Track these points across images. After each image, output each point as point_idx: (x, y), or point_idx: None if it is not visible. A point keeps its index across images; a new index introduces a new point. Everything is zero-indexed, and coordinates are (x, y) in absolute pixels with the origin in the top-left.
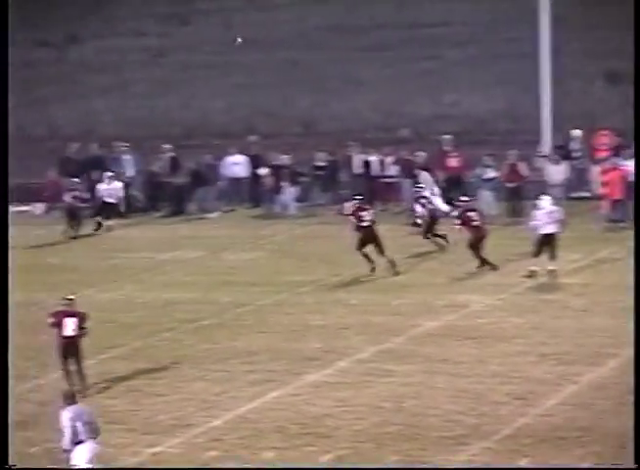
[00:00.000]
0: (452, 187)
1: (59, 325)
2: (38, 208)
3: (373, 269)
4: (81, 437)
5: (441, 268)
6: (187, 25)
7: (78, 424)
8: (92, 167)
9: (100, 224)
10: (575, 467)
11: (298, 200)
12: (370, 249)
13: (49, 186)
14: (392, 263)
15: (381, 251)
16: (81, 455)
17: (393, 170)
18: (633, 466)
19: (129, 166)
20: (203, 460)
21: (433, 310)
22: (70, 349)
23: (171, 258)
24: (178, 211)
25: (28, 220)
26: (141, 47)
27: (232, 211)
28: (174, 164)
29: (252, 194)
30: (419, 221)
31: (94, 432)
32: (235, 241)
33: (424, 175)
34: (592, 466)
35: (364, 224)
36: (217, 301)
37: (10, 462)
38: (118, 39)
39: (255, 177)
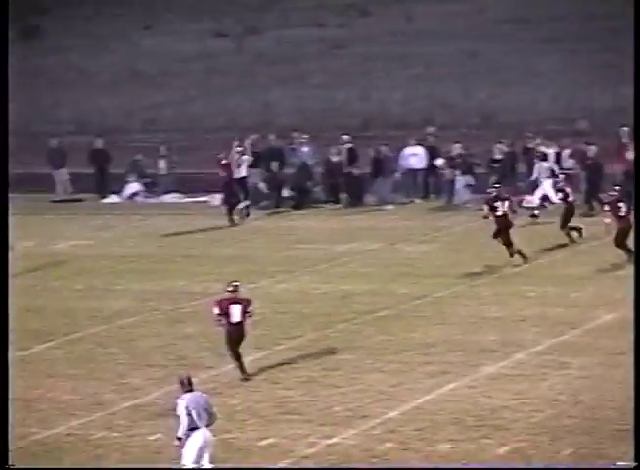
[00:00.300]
0: (630, 180)
1: (225, 313)
2: (216, 198)
3: (511, 255)
4: (196, 424)
5: (617, 260)
6: (366, 17)
7: (194, 411)
8: (270, 159)
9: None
10: (576, 467)
11: (475, 191)
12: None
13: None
14: (522, 255)
15: (507, 242)
16: (194, 442)
17: (570, 163)
18: (633, 466)
19: (307, 158)
20: (379, 451)
21: (610, 303)
22: (238, 334)
23: (349, 249)
24: (356, 202)
25: (206, 211)
26: (319, 38)
27: (410, 202)
28: (352, 155)
29: (429, 185)
30: (536, 213)
31: (210, 419)
32: (412, 232)
33: (540, 165)
34: (592, 466)
35: (498, 214)
36: (394, 292)
37: (10, 462)
38: (297, 30)
39: (432, 169)
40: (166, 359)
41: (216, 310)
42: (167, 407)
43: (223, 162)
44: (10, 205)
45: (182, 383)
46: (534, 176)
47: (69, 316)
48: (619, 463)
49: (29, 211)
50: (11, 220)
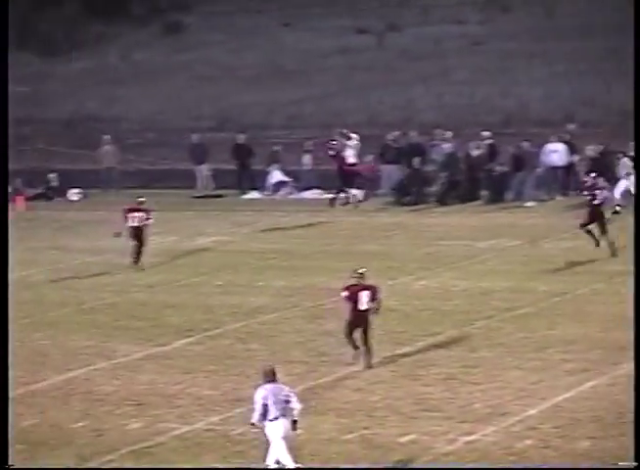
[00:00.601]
0: None
1: (354, 299)
2: (358, 194)
3: (597, 244)
4: (274, 414)
5: None
6: (507, 13)
7: (270, 402)
8: (412, 155)
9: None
10: (576, 467)
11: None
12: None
13: (368, 172)
14: (611, 245)
15: (603, 231)
16: (273, 432)
17: None
18: (633, 466)
19: (448, 154)
20: (518, 449)
21: None
22: (362, 322)
23: (489, 246)
24: (496, 198)
25: (346, 207)
26: (460, 34)
27: (550, 199)
28: (493, 152)
29: (569, 183)
30: (618, 209)
31: (287, 411)
32: (553, 230)
33: (624, 161)
34: (592, 466)
35: (595, 202)
36: (534, 289)
37: (10, 462)
38: (437, 27)
39: (573, 166)
40: (307, 356)
41: (344, 293)
42: (308, 404)
43: (331, 153)
44: (152, 200)
45: (265, 373)
46: (621, 173)
47: (210, 312)
48: (620, 463)
49: (171, 207)
50: (152, 215)
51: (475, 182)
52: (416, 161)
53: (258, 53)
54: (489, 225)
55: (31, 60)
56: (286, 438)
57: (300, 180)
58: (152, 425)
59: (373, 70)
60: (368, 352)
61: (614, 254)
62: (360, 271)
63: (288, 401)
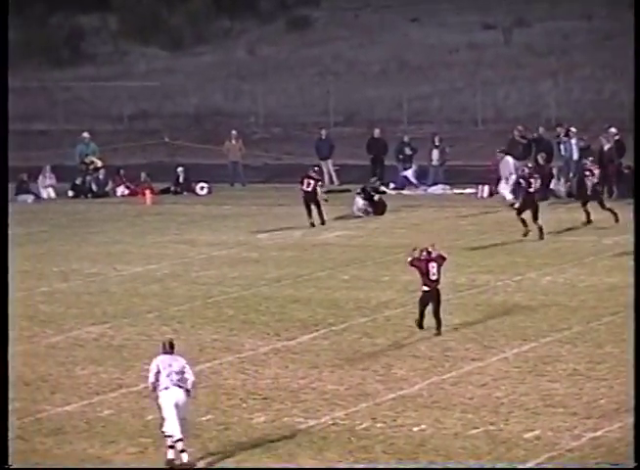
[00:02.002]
0: None
1: (425, 272)
2: (481, 190)
3: (525, 234)
4: (165, 384)
5: None
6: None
7: (163, 372)
8: (538, 150)
9: None
10: (576, 467)
11: None
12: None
13: (494, 168)
14: (540, 229)
15: (535, 217)
16: (165, 400)
17: None
18: (633, 466)
19: (575, 150)
20: None
21: None
22: (435, 292)
23: (615, 242)
24: (625, 193)
25: (472, 203)
26: (588, 29)
27: None
28: (620, 147)
29: None
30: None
31: (182, 381)
32: None
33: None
34: (592, 466)
35: (530, 190)
36: None
37: (10, 462)
38: (565, 22)
39: None
40: (432, 351)
41: (415, 264)
42: (433, 399)
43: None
44: (278, 195)
45: (164, 345)
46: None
47: (336, 307)
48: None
49: (296, 202)
50: (276, 211)
51: (604, 177)
52: (542, 156)
53: (385, 48)
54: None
55: (159, 54)
56: (177, 406)
57: (428, 176)
58: (277, 419)
59: (500, 66)
60: (438, 322)
61: (541, 237)
62: (429, 249)
63: (183, 372)
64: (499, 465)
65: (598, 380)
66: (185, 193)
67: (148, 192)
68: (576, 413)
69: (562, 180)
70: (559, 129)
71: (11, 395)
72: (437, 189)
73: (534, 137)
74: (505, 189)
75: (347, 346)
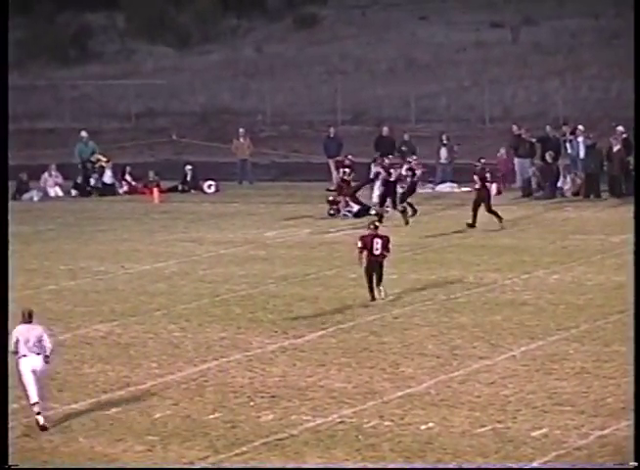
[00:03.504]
0: None
1: (368, 247)
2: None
3: (471, 225)
4: (23, 352)
5: None
6: None
7: (21, 340)
8: (545, 149)
9: None
10: (576, 467)
11: None
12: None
13: (501, 166)
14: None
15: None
16: (23, 367)
17: None
18: (633, 466)
19: (582, 148)
20: None
21: None
22: (375, 266)
23: (622, 240)
24: (631, 192)
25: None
26: (596, 28)
27: None
28: (627, 146)
29: None
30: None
31: (41, 349)
32: None
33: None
34: (592, 466)
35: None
36: None
37: (10, 462)
38: (572, 20)
39: None
40: (439, 349)
41: (359, 244)
42: (440, 397)
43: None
44: (285, 193)
45: (23, 315)
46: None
47: (343, 305)
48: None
49: (304, 200)
50: (283, 209)
51: (613, 177)
52: (549, 155)
53: (393, 46)
54: (623, 219)
55: (167, 52)
56: (34, 372)
57: (436, 174)
58: (284, 417)
59: (507, 64)
60: (379, 291)
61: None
62: (375, 224)
63: (41, 340)
64: (500, 465)
65: (605, 378)
66: (192, 191)
67: (155, 190)
68: (584, 411)
69: (568, 178)
70: (564, 128)
71: (18, 392)
72: (445, 187)
73: (542, 136)
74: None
75: (355, 344)
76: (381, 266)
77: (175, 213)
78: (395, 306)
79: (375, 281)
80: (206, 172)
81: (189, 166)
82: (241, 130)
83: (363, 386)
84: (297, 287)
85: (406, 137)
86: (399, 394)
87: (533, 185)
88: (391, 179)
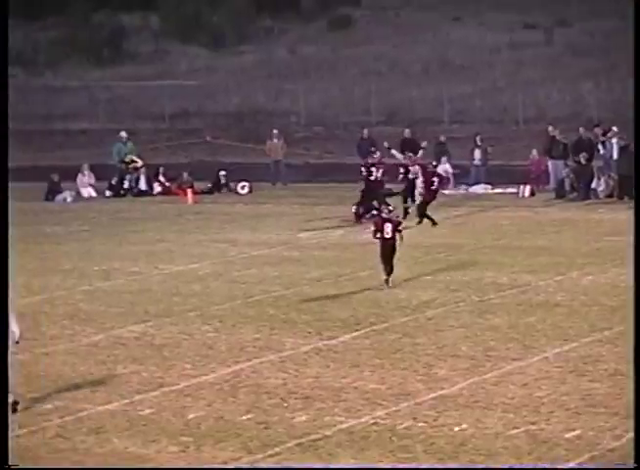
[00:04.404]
0: None
1: (379, 230)
2: (522, 190)
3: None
4: None
5: None
6: None
7: None
8: (578, 150)
9: None
10: (576, 467)
11: None
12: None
13: (534, 168)
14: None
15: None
16: None
17: None
18: (633, 466)
19: (616, 150)
20: None
21: None
22: (387, 249)
23: None
24: None
25: (515, 202)
26: (629, 30)
27: None
28: None
29: None
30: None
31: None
32: None
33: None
34: (592, 466)
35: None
36: None
37: (10, 462)
38: (606, 22)
39: None
40: (473, 350)
41: (373, 227)
42: (474, 399)
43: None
44: (320, 194)
45: None
46: None
47: (377, 306)
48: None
49: (338, 201)
50: (317, 210)
51: None
52: (583, 156)
53: (427, 47)
54: None
55: (201, 53)
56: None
57: (470, 175)
58: (318, 418)
59: (541, 66)
60: (390, 271)
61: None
62: (390, 208)
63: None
64: (499, 465)
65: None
66: (225, 191)
67: (189, 191)
68: (618, 413)
69: (602, 180)
70: (598, 129)
71: (51, 392)
72: (479, 188)
73: (576, 137)
74: None
75: (388, 345)
76: (393, 250)
77: (208, 214)
78: (429, 308)
79: (388, 269)
80: (240, 173)
81: (223, 172)
82: (274, 131)
83: (396, 387)
84: (330, 288)
85: (442, 139)
86: (432, 395)
87: (567, 187)
88: (433, 188)
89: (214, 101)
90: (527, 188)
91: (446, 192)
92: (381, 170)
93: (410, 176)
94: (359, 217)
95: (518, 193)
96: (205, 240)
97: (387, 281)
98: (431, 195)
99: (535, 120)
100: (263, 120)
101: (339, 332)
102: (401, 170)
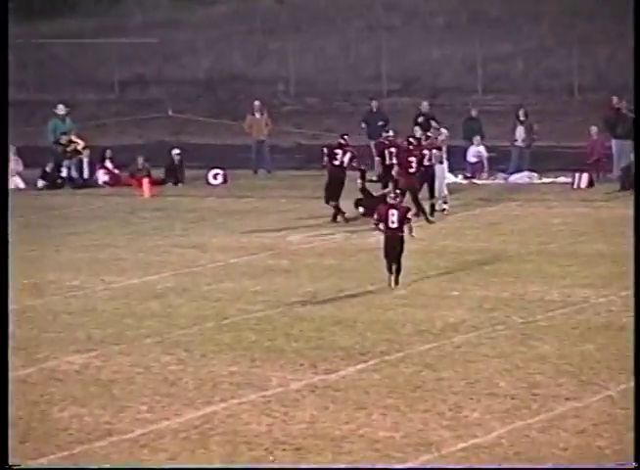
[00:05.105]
0: None
1: (383, 219)
2: (578, 179)
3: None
4: None
5: None
6: None
7: None
8: None
9: None
10: (576, 467)
11: None
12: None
13: (593, 150)
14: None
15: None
16: None
17: None
18: (633, 466)
19: None
20: None
21: None
22: (393, 243)
23: None
24: None
25: (568, 195)
26: None
27: None
28: None
29: None
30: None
31: None
32: None
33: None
34: (592, 466)
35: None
36: None
37: (10, 462)
38: None
39: None
40: (514, 387)
41: (375, 216)
42: (515, 449)
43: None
44: (311, 184)
45: None
46: None
47: (389, 330)
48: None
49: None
50: (311, 205)
51: None
52: None
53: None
54: None
55: (160, 3)
56: None
57: (510, 160)
58: None
59: (601, 19)
60: (398, 270)
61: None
62: (396, 192)
63: None
64: (499, 465)
65: None
66: (180, 184)
67: (145, 181)
68: None
69: None
70: None
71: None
72: (522, 177)
73: None
74: None
75: (405, 380)
76: (401, 243)
77: (171, 211)
78: (457, 332)
79: (394, 267)
80: (212, 158)
81: (176, 151)
82: (256, 103)
83: (415, 435)
84: (329, 307)
85: (474, 113)
86: (462, 445)
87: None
88: (412, 170)
89: (178, 65)
90: (585, 177)
91: (479, 182)
92: (348, 155)
93: (425, 163)
94: (340, 214)
95: (572, 183)
96: (165, 245)
97: (391, 282)
98: (409, 181)
99: (595, 89)
100: (241, 90)
101: (340, 364)
102: (412, 158)
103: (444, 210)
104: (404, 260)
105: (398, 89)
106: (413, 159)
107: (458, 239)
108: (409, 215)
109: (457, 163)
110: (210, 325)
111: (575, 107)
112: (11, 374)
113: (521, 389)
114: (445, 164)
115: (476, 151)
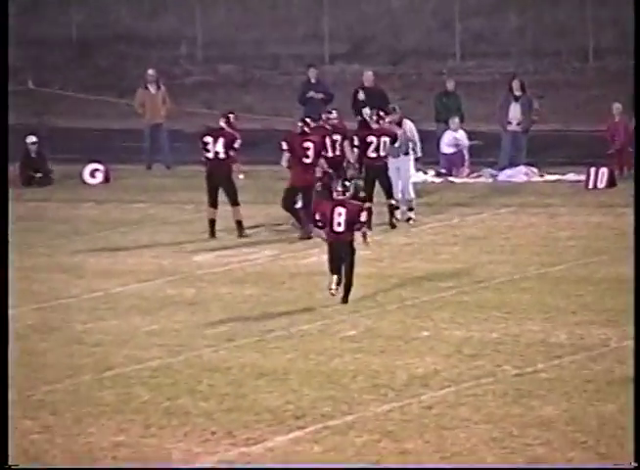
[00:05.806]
0: None
1: (327, 220)
2: (593, 175)
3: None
4: None
5: None
6: None
7: None
8: None
9: None
10: (576, 467)
11: None
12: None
13: (615, 136)
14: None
15: None
16: None
17: None
18: (633, 466)
19: None
20: None
21: None
22: (339, 251)
23: None
24: None
25: (580, 197)
26: None
27: None
28: None
29: None
30: None
31: None
32: None
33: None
34: (592, 466)
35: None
36: None
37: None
38: None
39: None
40: (506, 462)
41: (316, 216)
42: None
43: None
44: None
45: None
46: None
47: (335, 386)
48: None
49: (265, 196)
50: (226, 212)
51: None
52: None
53: None
54: None
55: None
56: None
57: (499, 150)
58: None
59: None
60: (347, 287)
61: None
62: (346, 184)
63: None
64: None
65: None
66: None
67: None
68: None
69: None
70: None
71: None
72: (516, 174)
73: None
74: None
75: (355, 454)
76: (351, 253)
77: (32, 222)
78: (428, 387)
79: (343, 282)
80: (89, 148)
81: (32, 139)
82: (150, 73)
83: None
84: (250, 352)
85: (450, 86)
86: None
87: None
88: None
89: (42, 20)
90: (603, 173)
91: (457, 180)
92: (221, 141)
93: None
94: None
95: (587, 181)
96: (24, 268)
97: (332, 290)
98: (304, 176)
99: (617, 52)
100: (130, 53)
101: (266, 432)
102: (355, 142)
103: (410, 219)
104: (356, 280)
105: (345, 53)
106: (309, 145)
107: (428, 259)
108: (362, 217)
109: (428, 154)
110: (87, 379)
111: (590, 77)
112: None
113: (516, 465)
114: (411, 156)
115: (453, 138)
